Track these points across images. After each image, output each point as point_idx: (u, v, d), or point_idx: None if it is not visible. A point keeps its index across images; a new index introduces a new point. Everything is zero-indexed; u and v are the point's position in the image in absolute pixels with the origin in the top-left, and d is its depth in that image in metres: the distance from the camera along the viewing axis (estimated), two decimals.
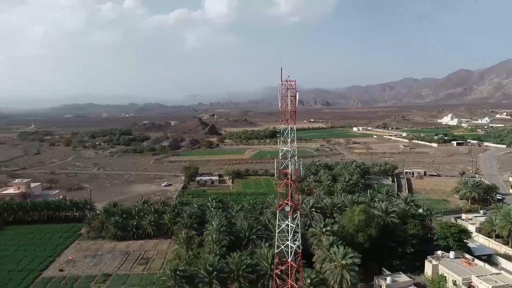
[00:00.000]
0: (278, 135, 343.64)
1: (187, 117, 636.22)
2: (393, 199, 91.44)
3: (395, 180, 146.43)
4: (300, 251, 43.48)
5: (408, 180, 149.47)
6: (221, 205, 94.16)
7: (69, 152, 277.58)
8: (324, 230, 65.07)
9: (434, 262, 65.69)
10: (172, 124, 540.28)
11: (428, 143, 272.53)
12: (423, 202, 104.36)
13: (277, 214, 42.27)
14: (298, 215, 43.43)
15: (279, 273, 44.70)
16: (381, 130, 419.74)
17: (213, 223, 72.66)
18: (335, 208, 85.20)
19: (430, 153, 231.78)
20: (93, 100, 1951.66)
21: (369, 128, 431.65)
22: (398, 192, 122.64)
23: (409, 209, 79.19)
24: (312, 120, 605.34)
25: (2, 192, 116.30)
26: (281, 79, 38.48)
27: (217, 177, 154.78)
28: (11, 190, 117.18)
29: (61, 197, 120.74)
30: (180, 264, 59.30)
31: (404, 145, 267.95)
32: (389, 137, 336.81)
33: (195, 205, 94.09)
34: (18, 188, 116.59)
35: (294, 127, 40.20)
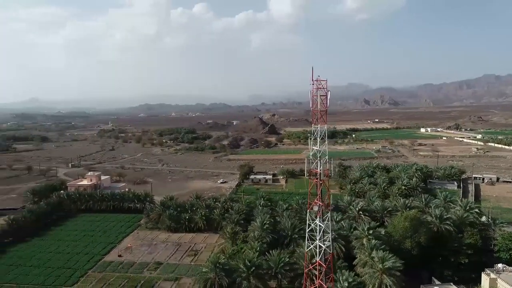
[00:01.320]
0: (337, 135, 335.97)
1: (249, 117, 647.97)
2: (452, 205, 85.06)
3: (461, 185, 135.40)
4: (331, 252, 42.97)
5: (477, 186, 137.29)
6: (269, 204, 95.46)
7: (139, 149, 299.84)
8: (367, 233, 63.19)
9: (493, 275, 60.07)
10: (234, 123, 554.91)
11: (506, 147, 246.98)
12: (490, 210, 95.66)
13: (308, 214, 42.27)
14: (329, 215, 42.97)
15: (310, 272, 44.52)
16: (452, 131, 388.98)
17: (257, 220, 74.28)
18: (385, 212, 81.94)
19: (507, 157, 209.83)
20: (164, 100, 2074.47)
21: (438, 129, 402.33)
22: (463, 199, 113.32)
23: (467, 217, 73.30)
24: (377, 120, 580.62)
25: (78, 183, 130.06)
26: (312, 78, 38.42)
27: (271, 176, 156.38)
28: (85, 182, 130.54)
29: (126, 189, 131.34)
30: (221, 257, 61.77)
31: (477, 148, 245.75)
32: (460, 139, 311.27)
33: (244, 202, 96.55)
34: (91, 180, 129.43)
35: (325, 127, 39.86)
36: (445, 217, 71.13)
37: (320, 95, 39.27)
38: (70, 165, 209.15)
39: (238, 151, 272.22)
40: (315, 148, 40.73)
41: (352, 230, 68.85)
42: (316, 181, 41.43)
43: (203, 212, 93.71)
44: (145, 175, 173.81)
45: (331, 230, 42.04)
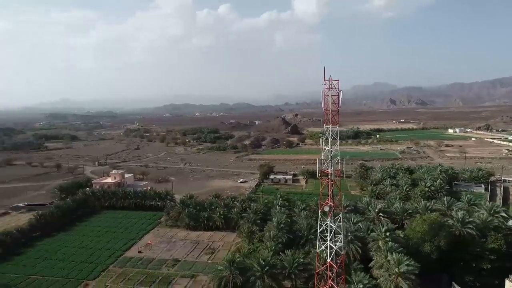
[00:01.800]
0: (360, 135, 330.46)
1: (272, 117, 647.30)
2: (476, 209, 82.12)
3: (489, 188, 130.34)
4: (343, 253, 42.57)
5: (506, 189, 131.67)
6: (287, 204, 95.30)
7: (162, 148, 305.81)
8: (384, 235, 62.08)
9: None
10: (257, 123, 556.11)
11: None
12: None
13: (319, 214, 41.99)
14: (341, 216, 42.60)
15: (322, 273, 44.25)
16: (482, 132, 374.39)
17: (273, 220, 74.41)
18: (405, 214, 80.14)
19: None
20: (189, 100, 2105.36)
21: (467, 130, 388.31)
22: (489, 202, 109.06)
23: (492, 221, 70.58)
24: (402, 120, 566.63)
25: (102, 181, 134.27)
26: (324, 78, 38.21)
27: (291, 176, 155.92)
28: (109, 180, 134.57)
29: (148, 187, 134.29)
30: (236, 256, 62.36)
31: (508, 150, 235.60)
32: (491, 140, 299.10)
33: (262, 202, 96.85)
34: (115, 178, 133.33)
35: (337, 128, 39.52)
36: (467, 220, 68.83)
37: (332, 95, 39.00)
38: (96, 163, 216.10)
39: (259, 151, 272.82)
40: (327, 148, 40.45)
41: (369, 232, 67.82)
42: (328, 182, 41.13)
43: (221, 211, 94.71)
44: (168, 174, 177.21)
45: (343, 231, 41.62)
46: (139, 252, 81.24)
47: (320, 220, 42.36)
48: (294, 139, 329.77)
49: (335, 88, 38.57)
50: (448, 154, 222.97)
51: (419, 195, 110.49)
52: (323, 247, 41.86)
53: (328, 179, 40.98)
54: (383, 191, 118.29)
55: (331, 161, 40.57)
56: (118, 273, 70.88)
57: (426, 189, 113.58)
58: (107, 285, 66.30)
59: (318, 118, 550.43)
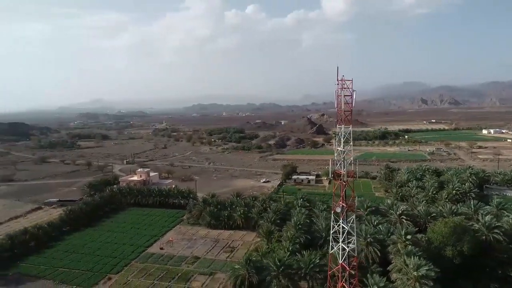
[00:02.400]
0: (387, 135, 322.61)
1: (298, 117, 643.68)
2: (505, 213, 78.53)
3: None
4: (356, 254, 42.05)
5: None
6: (307, 204, 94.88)
7: (188, 147, 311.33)
8: (404, 238, 60.67)
9: None
10: (282, 123, 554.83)
11: None
12: None
13: (332, 215, 41.69)
14: (354, 217, 42.10)
15: (334, 274, 43.88)
16: None
17: (292, 220, 74.35)
18: (429, 217, 77.83)
19: None
20: (216, 100, 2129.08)
21: (503, 131, 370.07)
22: None
23: None
24: (433, 120, 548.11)
25: (129, 179, 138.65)
26: (337, 78, 37.97)
27: (313, 177, 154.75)
28: (135, 177, 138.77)
29: (173, 186, 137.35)
30: (253, 255, 62.89)
31: None
32: None
33: (282, 202, 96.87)
34: (140, 176, 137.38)
35: (350, 128, 39.13)
36: (494, 225, 66.09)
37: (345, 95, 38.68)
38: (125, 161, 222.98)
39: (284, 151, 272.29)
40: (339, 148, 40.15)
41: (389, 234, 66.47)
42: (340, 182, 40.83)
43: (241, 210, 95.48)
44: (192, 173, 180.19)
45: (356, 233, 41.09)
46: (161, 248, 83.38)
47: (333, 221, 42.04)
48: (320, 139, 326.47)
49: (348, 88, 38.23)
50: (480, 156, 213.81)
51: (446, 198, 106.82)
52: (335, 248, 41.53)
53: (341, 179, 40.65)
54: (408, 194, 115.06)
55: (343, 162, 40.22)
56: (140, 268, 73.12)
57: (454, 192, 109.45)
58: (129, 280, 68.56)
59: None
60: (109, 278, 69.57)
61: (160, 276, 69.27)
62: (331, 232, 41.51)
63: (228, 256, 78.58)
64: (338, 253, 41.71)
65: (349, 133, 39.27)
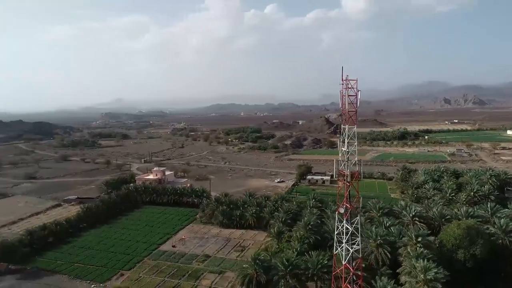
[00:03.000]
0: (407, 136, 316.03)
1: (316, 117, 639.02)
2: None
3: None
4: (360, 256, 41.63)
5: None
6: (319, 204, 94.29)
7: (205, 147, 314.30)
8: (415, 241, 59.53)
9: None
10: (300, 123, 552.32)
11: None
12: None
13: (336, 216, 41.39)
14: (358, 218, 41.67)
15: (338, 275, 43.57)
16: None
17: (302, 220, 74.10)
18: (443, 219, 75.92)
19: None
20: (234, 100, 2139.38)
21: None
22: None
23: None
24: (456, 121, 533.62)
25: (145, 177, 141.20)
26: (342, 79, 37.72)
27: (328, 177, 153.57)
28: (151, 176, 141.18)
29: (188, 185, 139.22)
30: (262, 254, 63.07)
31: None
32: None
33: (294, 202, 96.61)
34: (156, 175, 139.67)
35: (355, 128, 38.82)
36: (511, 229, 64.03)
37: (350, 95, 38.37)
38: (142, 160, 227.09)
39: (300, 151, 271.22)
40: (344, 149, 39.87)
41: (401, 236, 65.31)
42: (344, 183, 40.54)
43: (253, 210, 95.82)
44: (208, 172, 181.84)
45: (360, 234, 40.72)
46: (173, 246, 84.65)
47: (337, 222, 41.77)
48: (337, 139, 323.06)
49: (352, 88, 37.92)
50: (503, 158, 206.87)
51: (464, 200, 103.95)
52: (339, 249, 41.24)
53: (345, 180, 40.37)
54: (425, 195, 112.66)
55: (347, 162, 39.90)
56: (152, 265, 74.51)
57: (472, 194, 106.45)
58: (141, 276, 69.95)
59: (363, 118, 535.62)
60: (122, 274, 71.21)
61: (171, 274, 70.37)
62: (335, 233, 41.23)
63: (239, 255, 79.04)
64: (342, 254, 41.33)
65: (354, 134, 38.90)
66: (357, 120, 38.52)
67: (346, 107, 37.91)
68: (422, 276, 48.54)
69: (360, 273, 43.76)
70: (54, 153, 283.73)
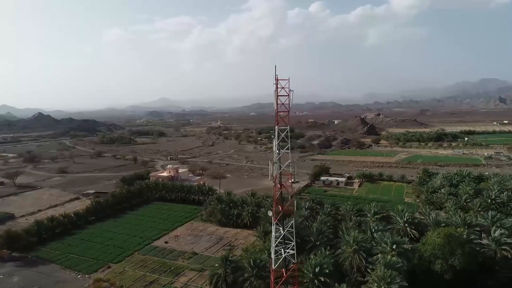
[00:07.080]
0: (443, 137, 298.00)
1: (354, 116, 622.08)
2: None
3: None
4: (295, 261, 40.21)
5: None
6: (317, 207, 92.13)
7: (234, 146, 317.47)
8: (390, 248, 56.56)
9: None
10: (335, 122, 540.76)
11: None
12: None
13: (273, 222, 40.21)
14: (293, 222, 40.26)
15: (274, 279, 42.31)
16: None
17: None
18: (437, 227, 71.15)
19: None
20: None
21: None
22: None
23: None
24: (506, 121, 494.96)
25: (158, 174, 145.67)
26: (275, 78, 36.69)
27: (344, 179, 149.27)
28: (164, 173, 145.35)
29: (201, 182, 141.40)
30: (231, 254, 62.89)
31: None
32: None
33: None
34: (169, 172, 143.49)
35: (288, 129, 37.58)
36: (505, 241, 58.75)
37: (281, 95, 37.24)
38: (168, 158, 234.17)
39: (327, 151, 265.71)
40: (275, 150, 38.79)
41: (381, 243, 62.22)
42: (277, 185, 39.40)
43: (250, 209, 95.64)
44: (227, 171, 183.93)
45: (294, 238, 39.34)
46: (166, 242, 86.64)
47: (272, 225, 40.63)
48: (368, 140, 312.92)
49: (283, 88, 36.73)
50: None
51: (479, 207, 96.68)
52: (273, 253, 40.11)
53: (274, 182, 39.28)
54: (439, 200, 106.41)
55: (278, 163, 38.79)
56: (139, 260, 76.78)
57: (489, 200, 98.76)
58: (125, 270, 72.37)
59: (402, 118, 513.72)
60: (109, 267, 74.09)
61: (153, 269, 72.00)
62: (273, 238, 40.09)
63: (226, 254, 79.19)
64: (273, 259, 40.25)
65: (286, 133, 37.73)
66: (290, 121, 37.29)
67: (276, 108, 36.78)
68: (385, 286, 46.03)
69: (295, 279, 42.36)
70: (91, 149, 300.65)
